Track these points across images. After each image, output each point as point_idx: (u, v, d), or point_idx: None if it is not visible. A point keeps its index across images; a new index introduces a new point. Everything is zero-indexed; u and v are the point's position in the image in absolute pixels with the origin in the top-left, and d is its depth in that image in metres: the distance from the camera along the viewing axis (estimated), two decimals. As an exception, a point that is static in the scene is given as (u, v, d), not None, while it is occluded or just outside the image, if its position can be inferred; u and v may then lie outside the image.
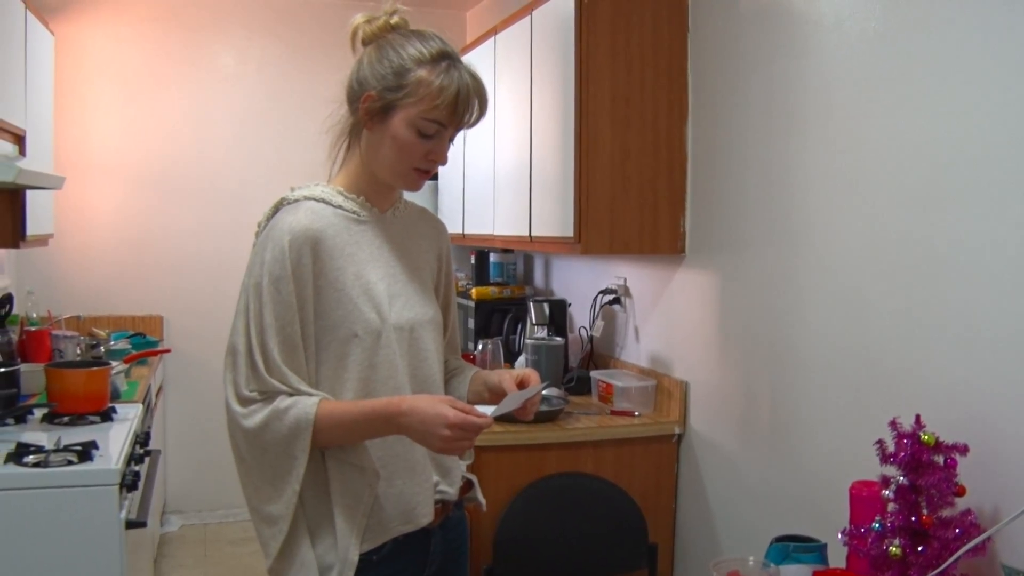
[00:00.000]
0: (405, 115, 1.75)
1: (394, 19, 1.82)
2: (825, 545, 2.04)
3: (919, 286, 2.10)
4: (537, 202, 3.47)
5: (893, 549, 1.80)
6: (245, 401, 1.73)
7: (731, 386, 2.92)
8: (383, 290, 1.80)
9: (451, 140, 1.82)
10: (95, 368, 3.23)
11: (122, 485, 2.62)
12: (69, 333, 4.15)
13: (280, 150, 5.41)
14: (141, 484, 2.94)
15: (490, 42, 3.98)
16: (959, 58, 1.98)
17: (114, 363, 3.57)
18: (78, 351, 4.04)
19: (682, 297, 3.22)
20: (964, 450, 1.82)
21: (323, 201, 1.81)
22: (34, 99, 3.81)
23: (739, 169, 2.85)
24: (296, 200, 1.81)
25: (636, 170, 3.12)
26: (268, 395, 1.72)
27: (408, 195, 1.98)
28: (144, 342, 4.77)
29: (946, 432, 1.85)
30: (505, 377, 1.88)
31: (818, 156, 2.47)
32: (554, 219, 3.29)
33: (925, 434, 1.82)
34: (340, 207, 1.81)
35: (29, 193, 3.59)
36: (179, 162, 5.27)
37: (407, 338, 1.83)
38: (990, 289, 1.90)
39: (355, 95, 1.81)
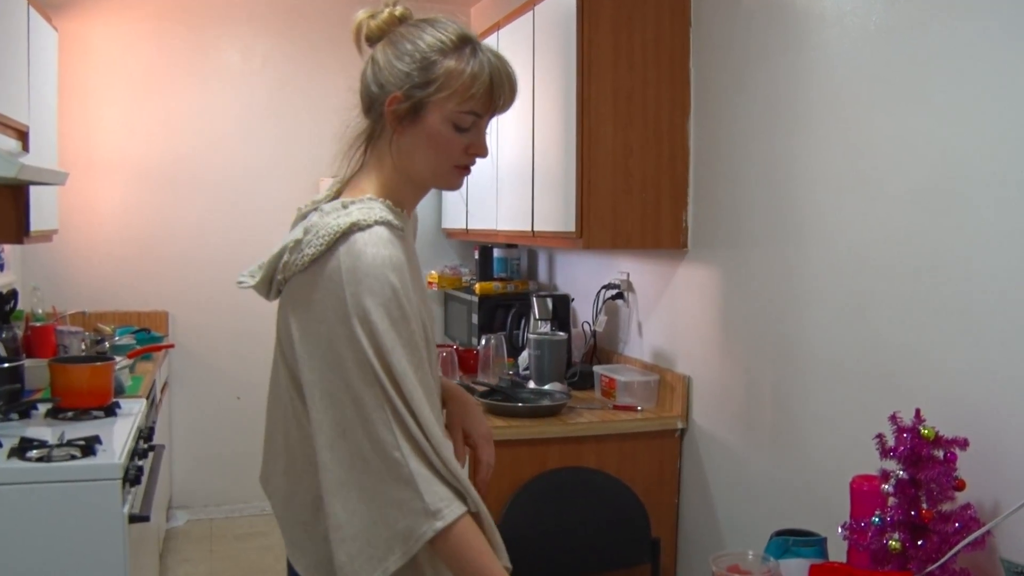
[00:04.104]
0: (439, 111, 1.60)
1: (398, 10, 1.67)
2: (825, 539, 2.04)
3: (920, 281, 2.09)
4: (540, 197, 3.47)
5: (893, 543, 1.80)
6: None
7: (733, 381, 2.92)
8: (425, 312, 1.66)
9: (486, 128, 1.69)
10: (99, 363, 3.24)
11: (125, 480, 2.63)
12: (73, 328, 4.16)
13: (285, 146, 5.42)
14: (144, 479, 2.95)
15: (493, 38, 3.97)
16: (961, 53, 1.98)
17: (118, 358, 3.57)
18: (82, 346, 4.05)
19: (685, 292, 3.22)
20: (964, 444, 1.82)
21: (387, 224, 1.57)
22: (37, 95, 3.82)
23: (741, 164, 2.84)
24: (369, 226, 1.55)
25: (638, 165, 3.12)
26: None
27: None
28: (148, 338, 4.78)
29: (946, 426, 1.85)
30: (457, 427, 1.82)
31: (821, 151, 2.46)
32: (556, 214, 3.29)
33: (925, 428, 1.82)
34: (396, 227, 1.60)
35: (33, 189, 3.59)
36: (184, 158, 5.27)
37: (433, 352, 1.70)
38: (991, 285, 1.90)
39: (377, 99, 1.64)
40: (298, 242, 1.57)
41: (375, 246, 1.52)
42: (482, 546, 1.53)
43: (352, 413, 1.49)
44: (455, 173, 1.68)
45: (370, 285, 1.49)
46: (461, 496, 1.52)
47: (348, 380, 1.49)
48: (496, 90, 1.62)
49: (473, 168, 1.69)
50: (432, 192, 4.98)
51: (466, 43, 1.61)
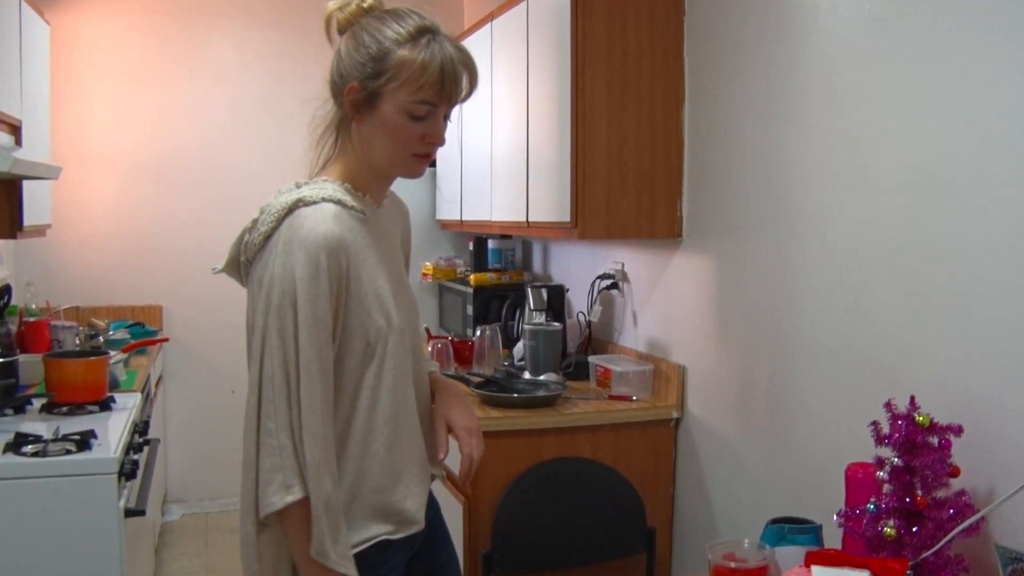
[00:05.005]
0: (392, 101, 1.67)
1: (367, 2, 1.73)
2: (820, 527, 2.05)
3: (915, 270, 2.10)
4: (534, 188, 3.47)
5: (888, 530, 1.80)
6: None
7: (728, 370, 2.92)
8: (388, 294, 1.73)
9: (447, 118, 1.74)
10: (93, 358, 3.24)
11: (120, 474, 2.63)
12: (68, 323, 4.15)
13: (279, 139, 5.40)
14: (140, 473, 2.95)
15: (487, 28, 3.97)
16: (957, 41, 1.97)
17: (112, 353, 3.57)
18: (77, 341, 4.05)
19: (680, 282, 3.22)
20: (958, 431, 1.82)
21: (339, 203, 1.68)
22: (30, 89, 3.81)
23: (736, 153, 2.84)
24: (315, 202, 1.66)
25: (633, 155, 3.12)
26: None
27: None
28: (143, 332, 4.78)
29: (941, 413, 1.85)
30: (441, 419, 1.87)
31: (816, 140, 2.46)
32: (551, 204, 3.29)
33: (920, 415, 1.82)
34: (352, 207, 1.70)
35: (26, 183, 3.59)
36: (177, 151, 5.26)
37: (408, 340, 1.77)
38: (985, 274, 1.90)
39: (338, 88, 1.73)
40: (254, 222, 1.71)
41: (314, 220, 1.63)
42: (303, 535, 1.62)
43: (255, 376, 1.64)
44: (414, 161, 1.74)
45: (298, 258, 1.60)
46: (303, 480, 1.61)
47: (259, 346, 1.63)
48: (448, 80, 1.66)
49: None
50: (426, 184, 5.00)
51: (423, 33, 1.66)
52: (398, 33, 1.66)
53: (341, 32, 1.75)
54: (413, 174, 1.78)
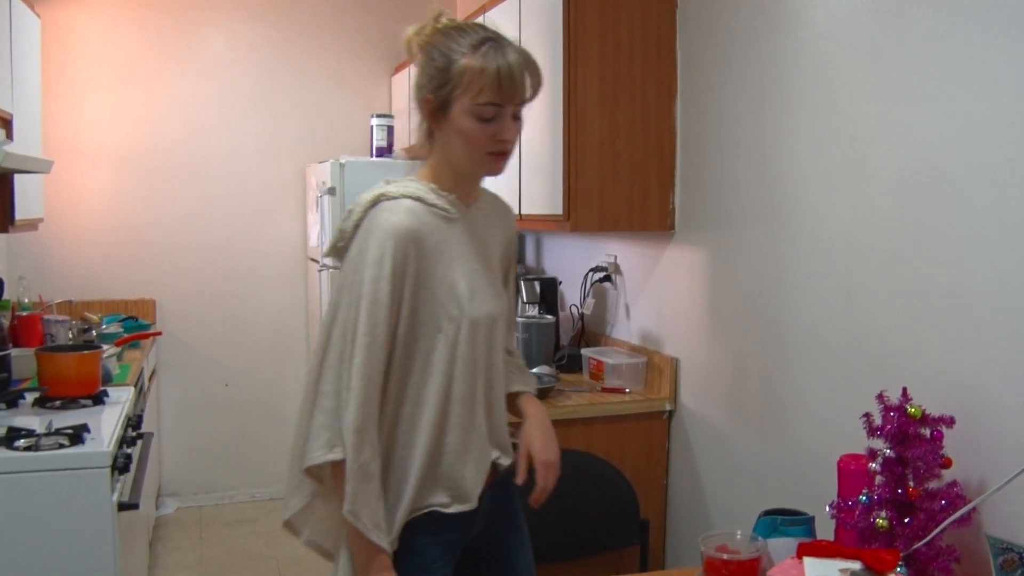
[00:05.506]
0: (460, 106, 1.83)
1: (440, 22, 1.90)
2: (812, 518, 2.05)
3: (907, 263, 2.10)
4: (527, 180, 3.46)
5: (880, 521, 1.81)
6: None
7: (721, 362, 2.93)
8: (464, 287, 1.89)
9: (516, 117, 1.88)
10: (86, 352, 3.22)
11: (113, 468, 2.63)
12: (60, 317, 4.14)
13: (271, 133, 5.41)
14: (133, 467, 2.95)
15: (479, 20, 3.96)
16: (951, 32, 1.98)
17: (105, 347, 3.56)
18: (70, 335, 4.04)
19: (672, 274, 3.22)
20: (950, 422, 1.83)
21: (419, 199, 1.88)
22: (21, 82, 3.79)
23: (729, 146, 2.84)
24: (395, 198, 1.87)
25: (625, 148, 3.12)
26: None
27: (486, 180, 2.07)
28: (136, 325, 4.76)
29: (932, 405, 1.86)
30: (524, 449, 2.03)
31: (809, 133, 2.46)
32: (543, 197, 3.29)
33: (912, 407, 1.83)
34: (434, 205, 1.89)
35: (17, 177, 3.57)
36: (170, 145, 5.25)
37: (483, 332, 1.92)
38: (978, 266, 1.90)
39: (419, 101, 1.91)
40: (349, 212, 1.91)
41: (389, 212, 1.84)
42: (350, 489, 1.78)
43: (323, 341, 1.85)
44: (490, 159, 1.89)
45: (369, 244, 1.81)
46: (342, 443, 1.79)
47: (330, 316, 1.85)
48: (505, 81, 1.81)
49: (507, 153, 1.90)
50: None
51: (484, 43, 1.83)
52: (461, 45, 1.83)
53: (422, 52, 1.92)
54: (493, 171, 1.94)
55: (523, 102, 1.88)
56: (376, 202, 1.88)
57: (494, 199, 2.11)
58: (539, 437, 2.03)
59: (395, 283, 1.81)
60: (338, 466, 1.79)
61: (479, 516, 1.98)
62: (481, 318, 1.91)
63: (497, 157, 1.89)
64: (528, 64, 1.85)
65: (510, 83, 1.81)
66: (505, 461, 2.04)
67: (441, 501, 1.90)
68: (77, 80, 5.05)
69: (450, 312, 1.87)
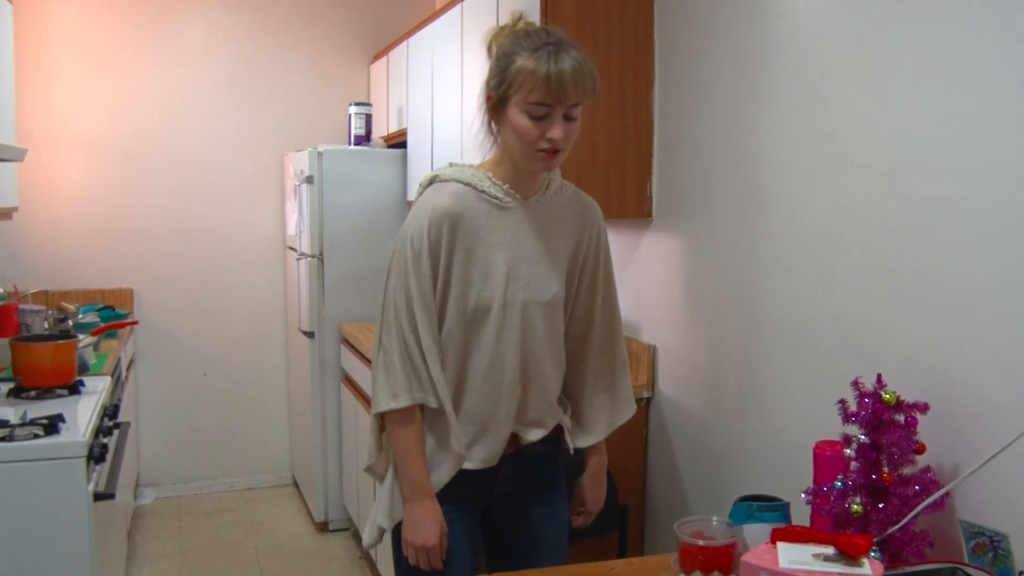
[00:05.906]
0: (515, 104, 1.95)
1: (519, 25, 2.02)
2: (788, 504, 2.06)
3: (883, 250, 2.11)
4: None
5: (855, 507, 1.82)
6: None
7: (698, 349, 2.94)
8: (503, 272, 2.04)
9: (569, 118, 1.96)
10: (61, 341, 3.21)
11: (89, 457, 2.62)
12: (36, 307, 4.10)
13: (248, 121, 5.38)
14: (110, 456, 2.93)
15: (457, 9, 3.94)
16: (931, 21, 1.98)
17: (82, 336, 3.54)
18: (45, 325, 4.01)
19: (649, 261, 3.23)
20: (924, 408, 1.84)
21: (469, 185, 2.05)
22: (-7, 70, 3.76)
23: (706, 134, 2.85)
24: (446, 180, 2.08)
25: (603, 135, 3.12)
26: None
27: (563, 179, 2.21)
28: (113, 315, 4.73)
29: (907, 391, 1.88)
30: (578, 497, 2.36)
31: (786, 121, 2.47)
32: (522, 185, 3.28)
33: (886, 393, 1.84)
34: (484, 191, 2.05)
35: (-10, 165, 3.55)
36: (147, 133, 5.21)
37: (518, 316, 2.06)
38: (951, 254, 1.91)
39: (484, 97, 2.05)
40: (420, 188, 2.14)
41: (434, 193, 2.06)
42: (406, 438, 2.05)
43: (380, 306, 2.07)
44: (540, 156, 1.99)
45: (413, 221, 2.04)
46: (418, 394, 2.04)
47: (384, 284, 2.07)
48: (554, 83, 1.90)
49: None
50: (397, 164, 4.94)
51: (544, 47, 1.93)
52: (523, 47, 1.95)
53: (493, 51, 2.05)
54: (541, 167, 2.04)
55: (574, 105, 1.95)
56: (431, 183, 2.10)
57: (575, 197, 2.21)
58: (593, 489, 2.34)
59: (432, 259, 2.01)
60: (393, 413, 2.03)
61: (498, 480, 2.15)
62: (516, 302, 2.05)
63: (547, 154, 1.98)
64: (582, 70, 1.93)
65: (559, 86, 1.90)
66: (532, 437, 2.16)
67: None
68: (51, 67, 5.00)
69: (480, 293, 2.03)
